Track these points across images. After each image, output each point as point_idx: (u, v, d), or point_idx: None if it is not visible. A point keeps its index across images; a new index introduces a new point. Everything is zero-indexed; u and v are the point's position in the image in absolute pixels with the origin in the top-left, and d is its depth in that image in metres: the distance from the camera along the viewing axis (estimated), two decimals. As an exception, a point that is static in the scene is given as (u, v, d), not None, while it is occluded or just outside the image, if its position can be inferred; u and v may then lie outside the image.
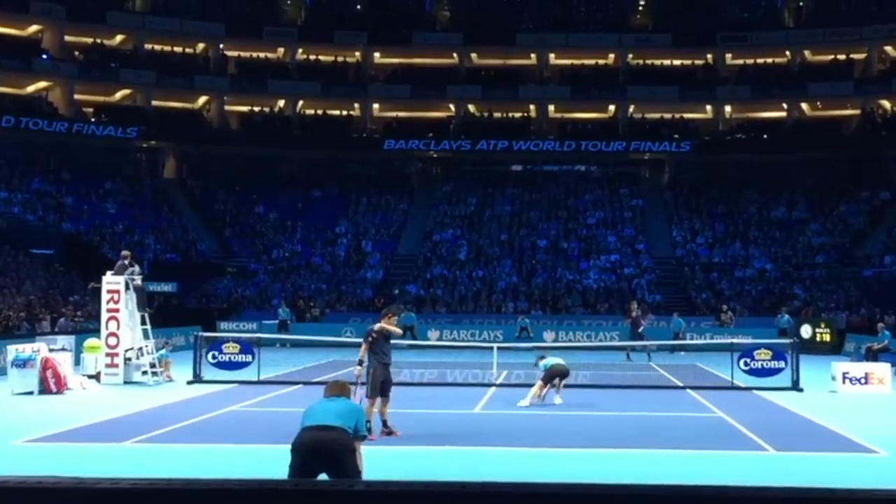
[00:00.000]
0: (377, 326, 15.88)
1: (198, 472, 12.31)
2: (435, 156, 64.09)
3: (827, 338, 39.43)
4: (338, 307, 48.01)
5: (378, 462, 11.86)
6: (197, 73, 62.55)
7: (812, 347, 36.35)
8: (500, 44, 64.12)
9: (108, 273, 24.91)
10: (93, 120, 59.88)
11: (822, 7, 63.81)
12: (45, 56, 59.07)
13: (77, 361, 25.15)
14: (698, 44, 63.66)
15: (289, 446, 8.27)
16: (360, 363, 15.56)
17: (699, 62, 64.40)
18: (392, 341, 16.31)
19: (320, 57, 64.74)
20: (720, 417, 18.34)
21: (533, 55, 64.90)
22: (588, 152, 61.87)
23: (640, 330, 35.48)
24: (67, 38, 60.22)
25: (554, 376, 20.32)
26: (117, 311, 24.31)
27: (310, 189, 60.08)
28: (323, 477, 7.92)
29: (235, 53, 64.67)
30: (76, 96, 59.65)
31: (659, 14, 66.29)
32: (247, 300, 48.94)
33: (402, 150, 62.17)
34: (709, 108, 63.94)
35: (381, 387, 15.42)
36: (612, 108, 64.28)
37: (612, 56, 64.67)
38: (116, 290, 24.36)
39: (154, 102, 61.76)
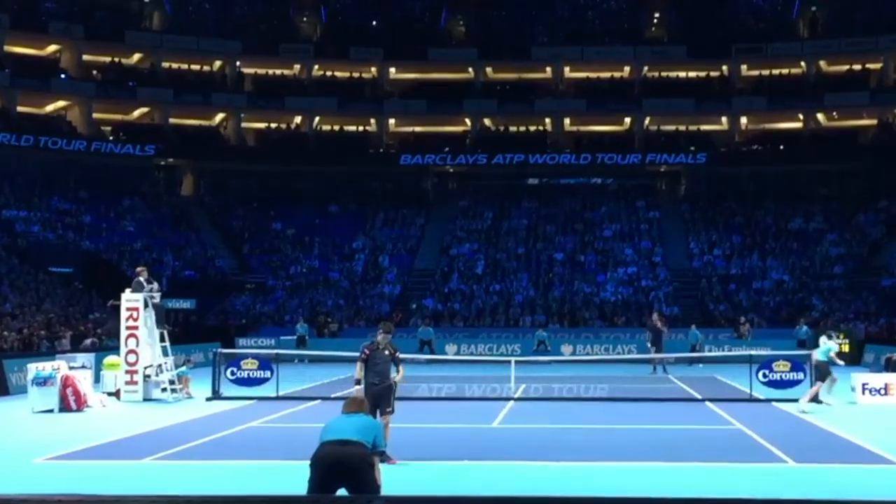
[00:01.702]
0: (379, 339, 14.99)
1: (217, 488, 12.36)
2: (451, 170, 64.16)
3: (846, 349, 39.22)
4: (356, 322, 48.04)
5: (396, 477, 11.88)
6: (214, 90, 62.86)
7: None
8: (515, 58, 64.24)
9: (127, 290, 25.02)
10: (111, 138, 60.20)
11: (838, 17, 63.65)
12: (63, 75, 59.49)
13: (97, 379, 25.25)
14: (714, 55, 63.59)
15: (308, 462, 8.31)
16: (358, 382, 14.52)
17: (714, 74, 64.31)
18: (405, 355, 15.76)
19: (336, 73, 64.99)
20: (739, 430, 18.29)
21: (548, 69, 64.96)
22: (604, 165, 61.83)
23: (660, 342, 35.24)
24: (85, 57, 60.62)
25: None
26: (136, 328, 24.41)
27: (327, 205, 60.20)
28: (342, 492, 7.95)
29: (252, 70, 64.93)
30: (94, 115, 59.99)
31: (674, 26, 66.31)
32: (265, 316, 49.04)
33: (419, 164, 62.23)
34: (724, 119, 63.80)
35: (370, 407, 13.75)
36: (627, 120, 64.25)
37: (627, 69, 64.69)
38: (136, 308, 24.47)
39: (171, 120, 62.09)
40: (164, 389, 24.38)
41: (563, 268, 53.38)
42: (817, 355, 22.07)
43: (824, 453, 15.72)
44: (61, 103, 60.10)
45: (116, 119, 61.75)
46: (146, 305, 24.59)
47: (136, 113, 62.62)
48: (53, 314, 39.27)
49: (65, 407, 21.73)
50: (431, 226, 59.00)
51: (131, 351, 24.33)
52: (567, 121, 64.23)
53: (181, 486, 12.46)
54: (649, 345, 35.13)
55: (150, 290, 25.01)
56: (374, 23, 67.80)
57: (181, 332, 36.41)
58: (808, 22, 65.65)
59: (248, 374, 24.77)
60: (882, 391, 23.28)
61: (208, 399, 23.96)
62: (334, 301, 50.59)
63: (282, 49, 63.88)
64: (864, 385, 23.49)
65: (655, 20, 67.40)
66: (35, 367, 22.62)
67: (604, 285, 51.37)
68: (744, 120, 63.72)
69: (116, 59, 61.79)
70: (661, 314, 40.18)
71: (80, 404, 21.97)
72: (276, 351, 32.26)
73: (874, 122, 61.29)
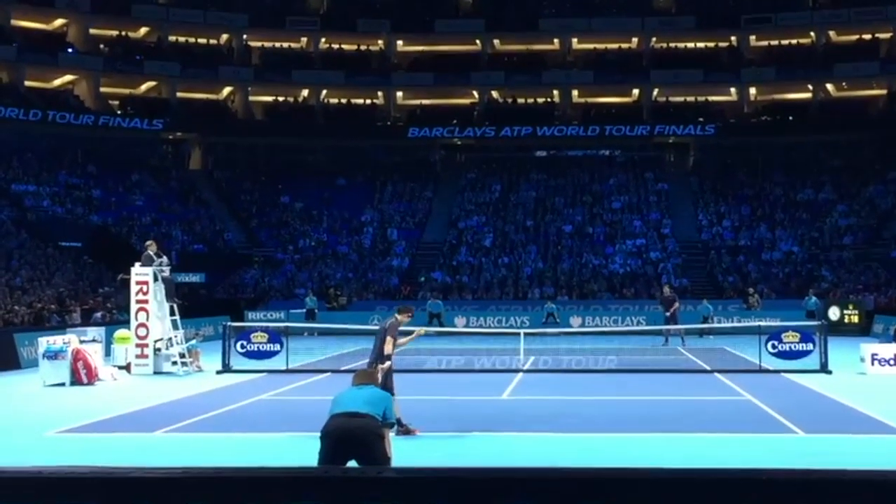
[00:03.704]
0: (400, 318, 14.67)
1: (228, 460, 12.39)
2: (459, 143, 64.03)
3: (855, 319, 39.23)
4: (365, 295, 48.11)
5: (407, 449, 11.91)
6: (221, 64, 62.73)
7: (840, 329, 36.16)
8: (523, 29, 63.92)
9: (137, 264, 25.07)
10: (119, 112, 60.16)
11: (847, -14, 63.23)
12: (70, 50, 59.39)
13: (107, 352, 25.34)
14: (722, 26, 63.25)
15: (318, 434, 8.32)
16: (389, 358, 14.12)
17: (723, 44, 63.99)
18: (414, 328, 15.78)
19: (343, 46, 64.78)
20: (748, 400, 18.29)
21: (556, 40, 64.67)
22: (612, 137, 61.68)
23: (675, 314, 35.09)
24: (92, 31, 60.50)
25: None
26: (146, 302, 24.48)
27: (335, 178, 60.18)
28: (352, 464, 7.96)
29: (259, 44, 64.78)
30: (102, 89, 59.94)
31: (682, -4, 65.90)
32: (274, 290, 49.12)
33: (427, 137, 62.15)
34: (733, 90, 63.54)
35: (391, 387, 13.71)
36: (635, 92, 64.00)
37: (635, 40, 64.39)
38: (145, 282, 24.53)
39: (179, 94, 62.01)
40: (174, 363, 24.47)
41: (571, 240, 53.34)
42: None
43: (834, 424, 15.73)
44: (69, 77, 60.06)
45: (124, 93, 61.70)
46: (156, 279, 24.65)
47: (144, 87, 62.56)
48: (63, 288, 39.38)
49: (76, 380, 21.82)
50: (439, 198, 58.96)
51: (141, 325, 24.41)
52: (575, 92, 64.03)
53: (192, 459, 12.51)
54: (667, 315, 34.98)
55: (160, 264, 25.08)
56: (381, -5, 67.45)
57: (191, 306, 36.44)
58: (818, -9, 65.22)
59: (258, 348, 24.82)
60: (891, 361, 23.27)
61: (218, 372, 24.03)
62: (343, 274, 50.64)
63: (288, 22, 63.65)
64: (873, 356, 23.48)
65: (664, -10, 67.02)
66: (46, 341, 22.70)
67: (612, 257, 51.33)
68: (753, 91, 63.44)
69: (123, 33, 61.68)
70: (671, 286, 40.16)
71: (91, 378, 22.06)
72: (285, 324, 32.38)
73: (884, 92, 60.95)
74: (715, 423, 15.82)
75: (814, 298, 40.28)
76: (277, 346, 24.87)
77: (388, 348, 14.16)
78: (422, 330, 15.23)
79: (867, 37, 61.47)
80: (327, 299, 46.05)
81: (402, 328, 14.76)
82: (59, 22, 60.13)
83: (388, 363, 14.07)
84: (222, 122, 62.84)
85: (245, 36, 64.18)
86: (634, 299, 46.35)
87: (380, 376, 13.78)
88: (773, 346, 24.09)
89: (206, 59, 62.42)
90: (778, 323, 29.71)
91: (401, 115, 64.66)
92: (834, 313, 38.83)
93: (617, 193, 58.04)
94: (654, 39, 63.85)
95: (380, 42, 64.79)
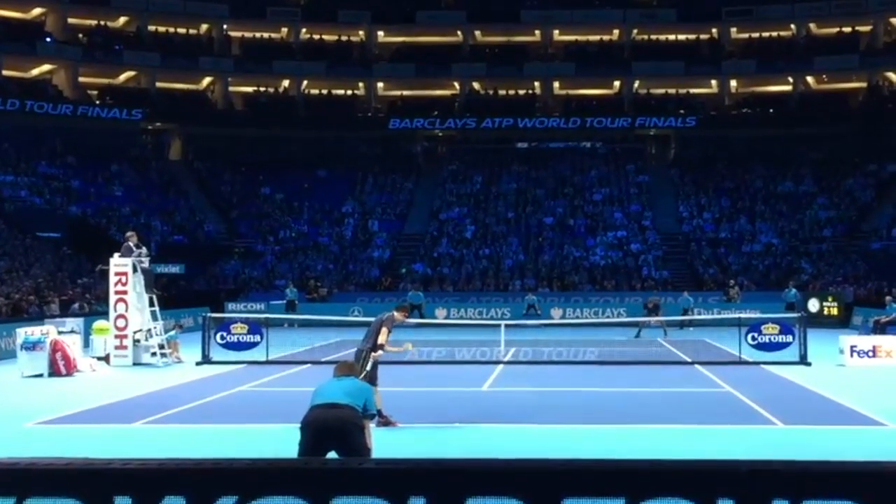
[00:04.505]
0: (398, 315, 14.87)
1: (208, 452, 12.32)
2: (440, 134, 63.99)
3: (834, 311, 39.41)
4: (345, 287, 48.07)
5: (387, 440, 11.91)
6: (201, 54, 62.48)
7: (819, 321, 36.33)
8: (505, 21, 63.90)
9: (116, 255, 24.97)
10: (98, 102, 59.83)
11: (827, -21, 63.43)
12: (48, 39, 59.01)
13: (86, 344, 25.23)
14: (703, 18, 63.36)
15: (298, 425, 8.30)
16: (382, 348, 14.30)
17: (704, 37, 64.11)
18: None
19: (324, 36, 64.60)
20: (728, 392, 18.36)
21: (537, 32, 64.68)
22: (593, 129, 61.76)
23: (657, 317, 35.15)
24: (71, 20, 60.13)
25: None
26: (125, 293, 24.40)
27: (315, 169, 60.02)
28: (332, 455, 7.95)
29: (239, 34, 64.54)
30: (80, 79, 59.60)
31: (663, -12, 65.98)
32: (254, 281, 49.01)
33: (408, 129, 62.07)
34: (714, 82, 63.71)
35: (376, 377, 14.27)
36: (617, 84, 64.09)
37: (616, 32, 64.43)
38: (124, 273, 24.44)
39: (158, 84, 61.73)
40: (153, 354, 24.40)
41: (552, 232, 53.40)
42: None
43: (813, 415, 15.81)
44: (47, 67, 59.68)
45: (103, 83, 61.36)
46: (135, 270, 24.56)
47: (123, 77, 62.23)
48: (42, 279, 39.15)
49: (54, 371, 21.72)
50: (421, 190, 58.91)
51: (120, 315, 24.32)
52: (556, 84, 64.07)
53: (172, 450, 12.42)
54: (647, 318, 35.05)
55: (139, 255, 24.98)
56: (362, -15, 67.29)
57: (170, 297, 36.31)
58: (798, -16, 65.36)
59: (238, 339, 24.78)
60: (870, 353, 23.43)
61: (198, 363, 23.97)
62: (324, 265, 50.56)
63: (269, 12, 63.44)
64: (852, 347, 23.62)
65: (645, -18, 67.08)
66: (24, 332, 22.58)
67: (593, 249, 51.42)
68: (733, 83, 63.64)
69: (102, 23, 61.31)
70: (657, 296, 40.22)
71: (70, 369, 21.96)
72: (265, 315, 32.29)
73: (864, 84, 61.30)
74: (695, 414, 15.88)
75: (793, 290, 40.42)
76: (257, 338, 24.84)
77: (382, 339, 14.39)
78: (409, 345, 15.40)
79: (847, 30, 61.73)
80: (308, 290, 45.96)
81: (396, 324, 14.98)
82: (37, 11, 59.72)
83: (380, 352, 14.32)
84: (202, 112, 62.58)
85: (225, 26, 63.95)
86: (615, 291, 46.44)
87: (370, 364, 14.04)
88: (753, 338, 24.21)
89: (186, 50, 62.15)
90: (758, 315, 29.81)
91: (382, 106, 64.57)
92: (813, 305, 39.01)
93: (598, 185, 58.12)
94: (635, 31, 63.93)
95: (361, 33, 64.66)
